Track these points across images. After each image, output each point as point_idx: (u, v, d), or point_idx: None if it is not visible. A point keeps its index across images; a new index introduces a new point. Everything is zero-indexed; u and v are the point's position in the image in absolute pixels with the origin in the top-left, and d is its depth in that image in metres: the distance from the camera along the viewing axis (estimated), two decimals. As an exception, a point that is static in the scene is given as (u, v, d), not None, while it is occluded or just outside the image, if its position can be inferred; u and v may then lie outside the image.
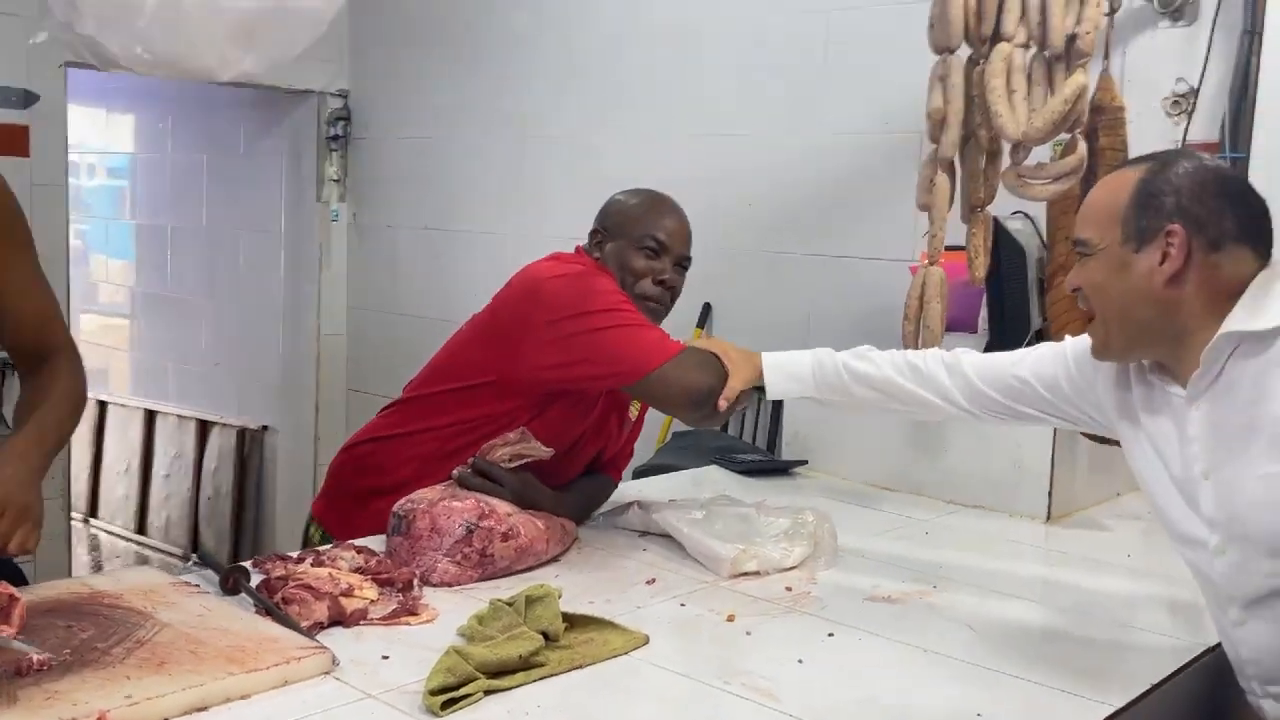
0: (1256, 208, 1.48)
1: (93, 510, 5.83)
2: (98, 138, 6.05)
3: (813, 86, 3.40)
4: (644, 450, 3.32)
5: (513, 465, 1.93)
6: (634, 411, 2.23)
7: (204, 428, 5.27)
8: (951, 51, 2.18)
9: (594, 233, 2.14)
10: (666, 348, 1.93)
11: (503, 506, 1.86)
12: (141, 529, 5.53)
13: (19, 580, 1.64)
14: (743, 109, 3.58)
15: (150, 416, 5.54)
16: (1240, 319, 1.42)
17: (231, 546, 5.02)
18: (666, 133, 3.76)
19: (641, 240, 2.06)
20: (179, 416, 5.39)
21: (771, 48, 3.50)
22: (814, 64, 3.40)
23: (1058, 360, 1.73)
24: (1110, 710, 1.43)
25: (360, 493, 2.12)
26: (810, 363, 1.95)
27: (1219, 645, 1.62)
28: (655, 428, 3.55)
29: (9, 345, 1.82)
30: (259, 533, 5.09)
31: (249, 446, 5.08)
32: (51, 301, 1.83)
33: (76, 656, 1.35)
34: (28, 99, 3.83)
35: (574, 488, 2.09)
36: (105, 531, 5.72)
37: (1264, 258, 1.46)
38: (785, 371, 1.96)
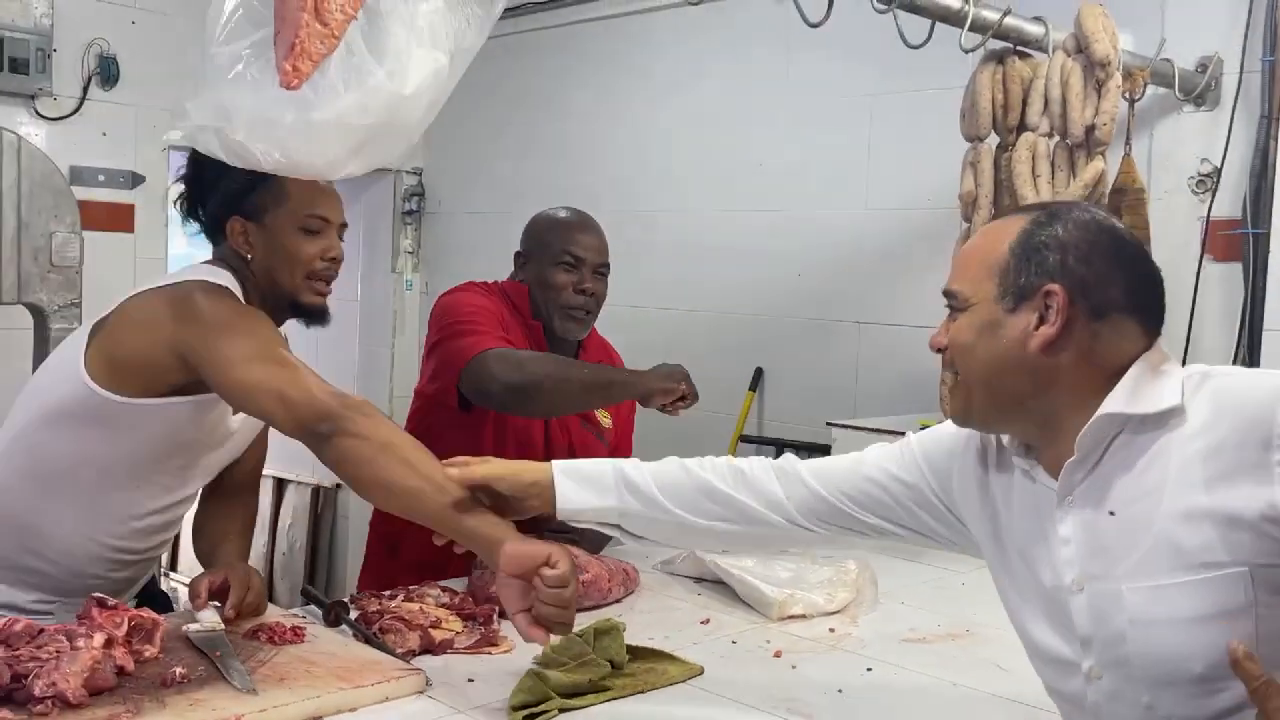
0: (1149, 277, 1.28)
1: (173, 564, 6.11)
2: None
3: (858, 165, 3.63)
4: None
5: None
6: (605, 420, 2.38)
7: (280, 486, 5.54)
8: (981, 139, 2.39)
9: (518, 255, 2.35)
10: (475, 347, 2.10)
11: (576, 552, 2.04)
12: (218, 582, 5.78)
13: (166, 608, 1.88)
14: (790, 185, 3.81)
15: (229, 474, 5.82)
16: (1121, 400, 1.22)
17: (303, 598, 5.25)
18: (718, 207, 4.00)
19: (559, 257, 2.26)
20: (257, 475, 5.67)
21: (818, 129, 3.74)
22: (858, 145, 3.63)
23: (905, 455, 1.51)
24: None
25: (385, 547, 2.35)
26: (612, 472, 1.58)
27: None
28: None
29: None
30: (330, 587, 5.32)
31: (322, 504, 5.34)
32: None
33: (210, 673, 1.57)
34: (135, 180, 4.18)
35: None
36: (183, 585, 5.99)
37: (1151, 335, 1.27)
38: (581, 477, 1.58)
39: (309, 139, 1.39)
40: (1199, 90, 2.89)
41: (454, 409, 2.19)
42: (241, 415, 1.83)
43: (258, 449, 2.01)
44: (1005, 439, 1.36)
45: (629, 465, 1.59)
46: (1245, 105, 2.84)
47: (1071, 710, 1.33)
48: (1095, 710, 1.27)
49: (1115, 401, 1.22)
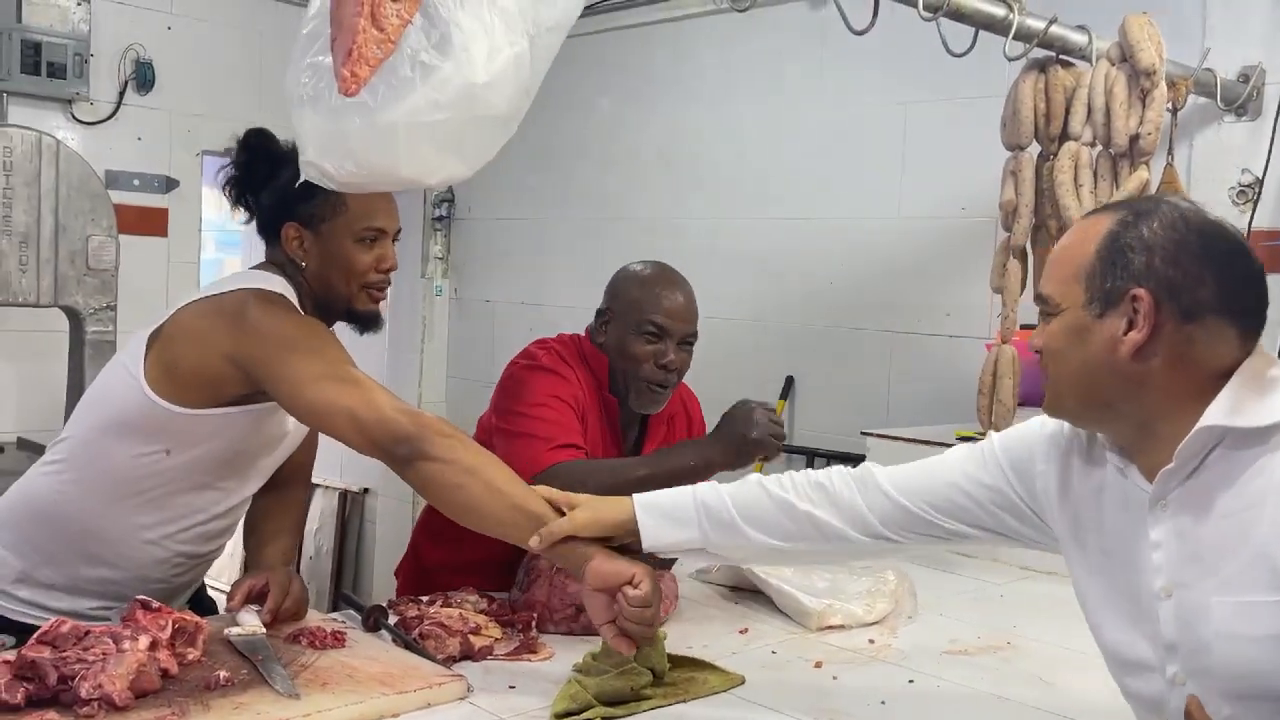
0: (1245, 275, 1.23)
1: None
2: (211, 213, 6.48)
3: (891, 173, 3.62)
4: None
5: None
6: None
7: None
8: (1023, 148, 2.37)
9: (600, 313, 2.18)
10: (539, 463, 1.94)
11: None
12: (245, 586, 5.81)
13: (210, 610, 1.88)
14: (823, 193, 3.80)
15: (257, 478, 5.85)
16: (1222, 411, 1.19)
17: (330, 602, 5.26)
18: (749, 214, 4.00)
19: (642, 326, 2.10)
20: (284, 479, 5.69)
21: (852, 137, 3.73)
22: (893, 153, 3.61)
23: (986, 456, 1.49)
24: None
25: (430, 563, 2.28)
26: (692, 503, 1.59)
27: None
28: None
29: None
30: (357, 591, 5.33)
31: (350, 508, 5.36)
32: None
33: (253, 676, 1.57)
34: (169, 185, 4.21)
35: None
36: (211, 587, 6.01)
37: (1250, 337, 1.23)
38: (663, 513, 1.59)
39: (381, 145, 1.38)
40: (1241, 100, 2.87)
41: None
42: None
43: (310, 441, 2.01)
44: (1100, 436, 1.35)
45: (708, 492, 1.59)
46: (1287, 115, 2.82)
47: (1148, 714, 1.32)
48: (1176, 716, 1.24)
49: (1216, 413, 1.19)
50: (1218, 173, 2.92)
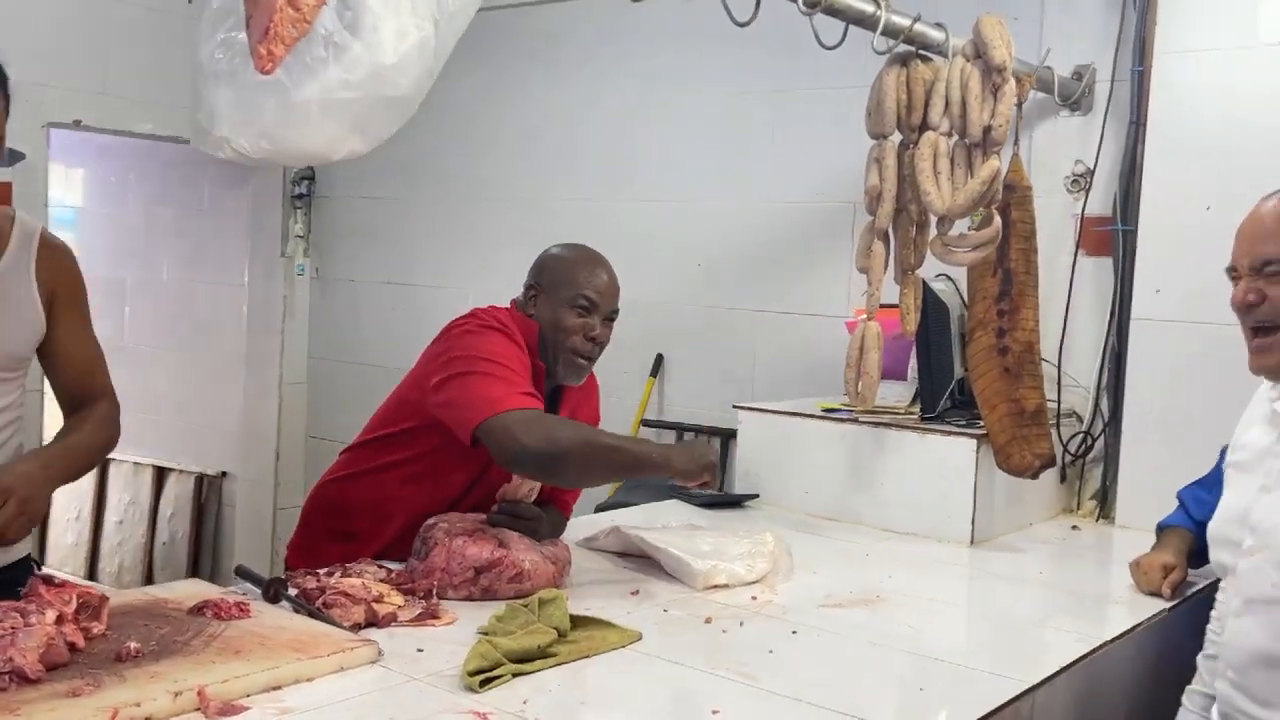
0: None
1: (39, 556, 5.87)
2: (57, 190, 6.18)
3: (758, 159, 3.76)
4: (601, 490, 3.60)
5: (533, 499, 2.17)
6: None
7: (160, 475, 5.39)
8: (886, 137, 2.53)
9: (529, 287, 2.27)
10: (504, 402, 2.00)
11: (521, 547, 2.05)
12: (92, 575, 5.60)
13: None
14: (693, 177, 3.92)
15: (103, 463, 5.64)
16: None
17: (238, 576, 5.13)
18: (618, 196, 4.09)
19: (574, 299, 2.20)
20: (135, 464, 5.50)
21: (718, 122, 3.86)
22: (761, 139, 3.76)
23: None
24: (1025, 686, 1.74)
25: (328, 534, 2.31)
26: None
27: (1118, 638, 1.94)
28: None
29: (59, 388, 2.05)
30: (216, 576, 5.20)
31: (207, 493, 5.22)
32: (97, 352, 2.07)
33: (162, 647, 1.58)
34: (13, 157, 4.01)
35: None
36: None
37: None
38: None
39: (295, 123, 1.41)
40: (1075, 96, 3.11)
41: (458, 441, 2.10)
42: None
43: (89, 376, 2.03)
44: None
45: None
46: (1116, 111, 3.07)
47: (1225, 575, 1.82)
48: (1243, 576, 1.73)
49: None
50: (1055, 163, 3.16)
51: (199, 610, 1.73)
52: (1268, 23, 2.79)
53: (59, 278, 1.97)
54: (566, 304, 2.22)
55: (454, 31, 1.62)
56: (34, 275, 1.93)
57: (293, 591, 1.89)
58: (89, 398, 2.04)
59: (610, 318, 2.27)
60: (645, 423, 3.95)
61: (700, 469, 2.06)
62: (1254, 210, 1.77)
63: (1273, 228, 1.69)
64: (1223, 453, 2.02)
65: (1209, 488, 2.16)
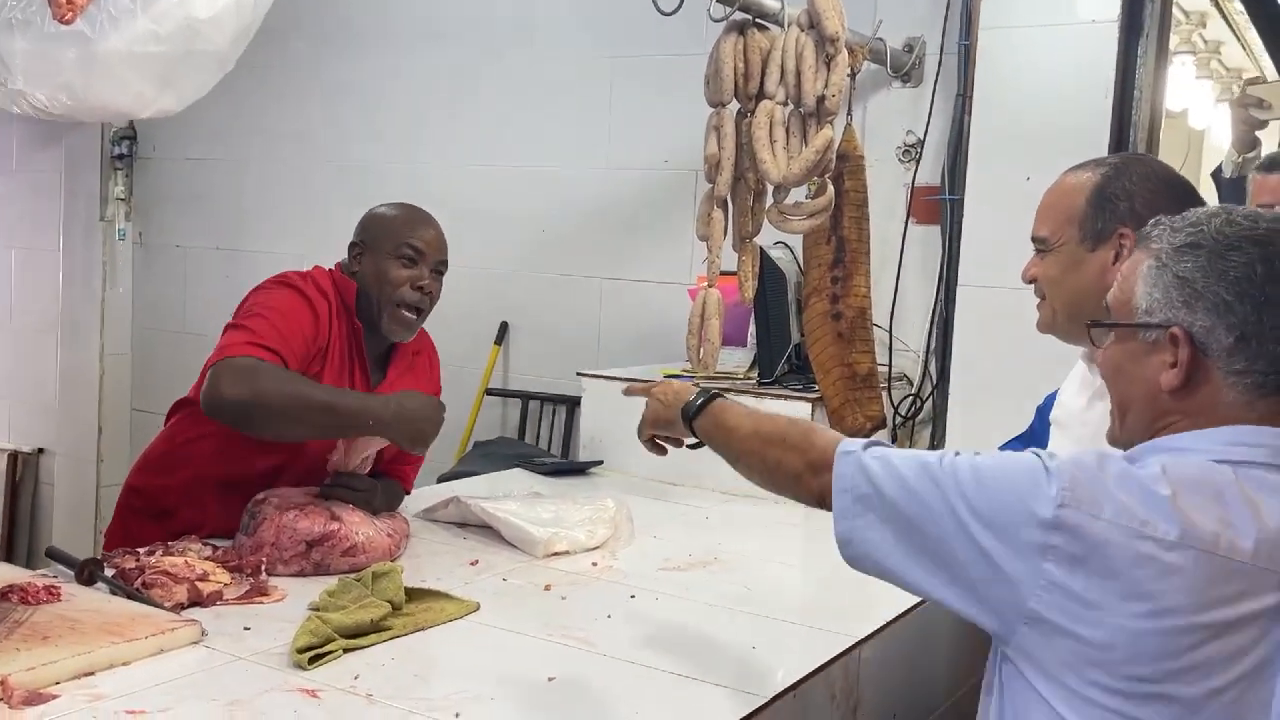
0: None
1: None
2: None
3: (599, 126, 3.74)
4: (444, 460, 3.54)
5: (367, 470, 2.11)
6: None
7: (-30, 452, 5.05)
8: (724, 105, 2.54)
9: (353, 245, 2.22)
10: (226, 350, 1.93)
11: (354, 520, 2.00)
12: (-108, 560, 5.22)
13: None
14: (534, 143, 3.87)
15: (-97, 442, 5.24)
16: None
17: (25, 563, 4.83)
18: (456, 162, 4.01)
19: (399, 250, 2.17)
20: (-61, 441, 5.14)
21: (562, 88, 3.82)
22: (600, 106, 3.74)
23: None
24: (853, 641, 1.79)
25: (146, 515, 2.21)
26: None
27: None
28: (454, 440, 3.77)
29: None
30: (33, 559, 4.92)
31: (21, 470, 4.92)
32: None
33: (-42, 636, 1.48)
34: None
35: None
36: None
37: None
38: None
39: (98, 76, 1.31)
40: (906, 68, 3.20)
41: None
42: None
43: None
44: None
45: None
46: (944, 83, 3.17)
47: None
48: None
49: None
50: (887, 133, 3.24)
51: (3, 595, 1.63)
52: (1085, 1, 2.91)
53: None
54: (391, 255, 2.17)
55: (273, -11, 1.54)
56: None
57: (109, 572, 1.80)
58: None
59: (439, 270, 2.24)
60: (490, 391, 3.91)
61: (411, 443, 2.02)
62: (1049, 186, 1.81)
63: (1043, 209, 1.72)
64: (1039, 410, 2.12)
65: (1026, 442, 2.27)
